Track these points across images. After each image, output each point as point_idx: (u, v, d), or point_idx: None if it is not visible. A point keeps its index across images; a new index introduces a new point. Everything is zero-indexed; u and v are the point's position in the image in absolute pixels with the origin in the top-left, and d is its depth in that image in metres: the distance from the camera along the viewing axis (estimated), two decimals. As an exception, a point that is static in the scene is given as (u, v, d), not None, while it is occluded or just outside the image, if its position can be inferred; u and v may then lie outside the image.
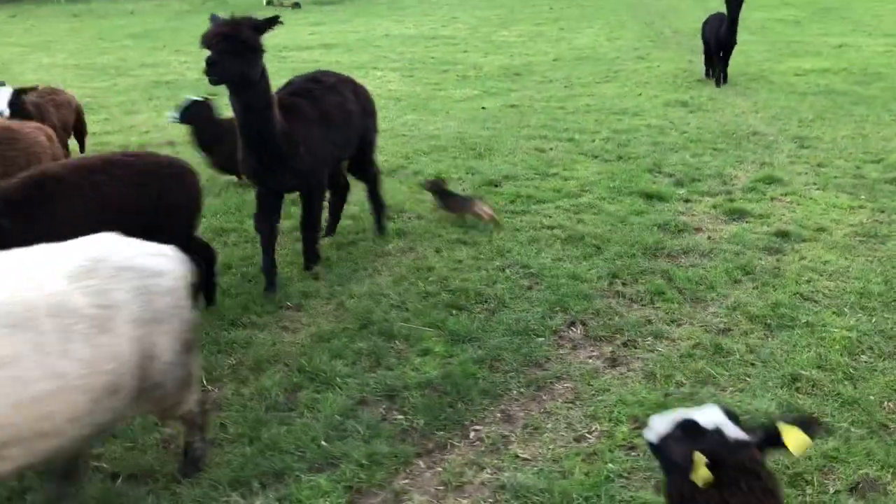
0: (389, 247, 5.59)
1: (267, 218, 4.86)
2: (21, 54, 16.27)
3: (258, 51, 4.28)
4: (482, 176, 7.33)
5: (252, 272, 5.13)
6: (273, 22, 4.30)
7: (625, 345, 4.32)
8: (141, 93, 11.81)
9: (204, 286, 4.42)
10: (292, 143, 4.61)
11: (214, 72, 4.10)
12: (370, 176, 5.76)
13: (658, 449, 2.17)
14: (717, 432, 2.06)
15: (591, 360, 4.17)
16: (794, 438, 2.04)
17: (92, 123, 8.86)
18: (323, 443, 3.36)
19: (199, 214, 4.48)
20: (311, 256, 5.13)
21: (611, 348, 4.28)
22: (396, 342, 4.26)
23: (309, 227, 5.04)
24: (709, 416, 2.12)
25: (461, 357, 4.08)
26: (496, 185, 7.08)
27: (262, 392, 3.71)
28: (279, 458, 3.25)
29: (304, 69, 14.02)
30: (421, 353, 4.15)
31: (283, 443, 3.34)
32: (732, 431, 2.07)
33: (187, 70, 14.13)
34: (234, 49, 4.13)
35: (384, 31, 20.26)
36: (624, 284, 5.03)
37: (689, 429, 2.09)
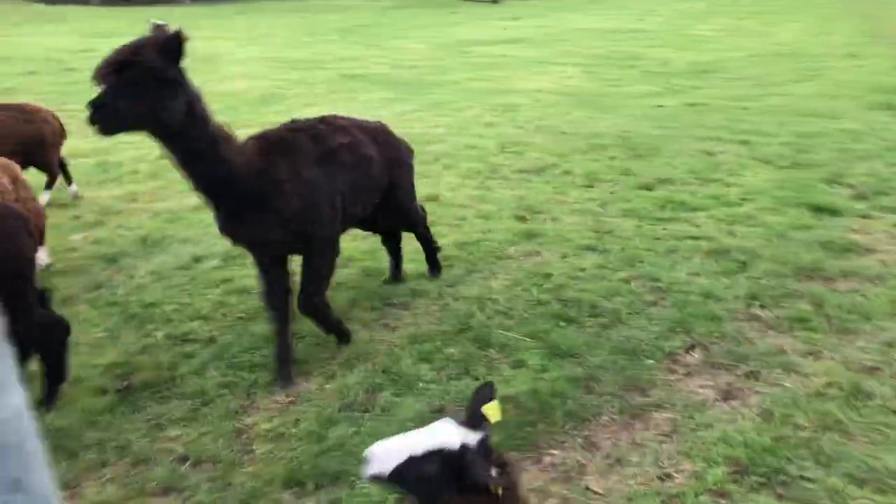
0: (512, 249, 5.40)
1: (277, 291, 3.81)
2: (234, 47, 17.63)
3: (173, 81, 3.10)
4: (635, 178, 6.93)
5: (373, 267, 5.14)
6: (181, 38, 3.06)
7: (746, 376, 3.85)
8: (326, 86, 12.37)
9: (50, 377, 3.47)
10: (270, 182, 3.52)
11: (100, 118, 3.01)
12: (411, 227, 4.81)
13: (400, 478, 1.93)
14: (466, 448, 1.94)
15: (701, 390, 3.75)
16: (492, 410, 2.03)
17: (265, 114, 9.41)
18: (387, 449, 3.27)
19: (28, 275, 3.33)
20: (324, 328, 4.07)
21: (728, 379, 3.84)
22: (491, 350, 4.08)
23: (307, 293, 3.84)
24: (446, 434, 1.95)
25: (555, 373, 3.83)
26: (649, 189, 6.65)
27: (342, 390, 3.69)
28: (340, 459, 3.20)
29: (483, 63, 14.16)
30: (514, 365, 3.94)
31: (348, 444, 3.29)
32: (472, 438, 1.96)
33: (375, 64, 14.64)
34: (134, 83, 2.99)
35: (577, 26, 19.87)
36: (763, 307, 4.50)
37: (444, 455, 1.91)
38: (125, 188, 6.58)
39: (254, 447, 3.25)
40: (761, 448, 3.24)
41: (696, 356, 4.05)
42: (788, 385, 3.74)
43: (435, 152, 7.89)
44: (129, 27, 21.77)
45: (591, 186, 6.84)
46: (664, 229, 5.73)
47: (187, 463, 3.18)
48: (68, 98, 9.86)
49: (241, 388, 3.67)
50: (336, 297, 4.66)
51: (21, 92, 10.81)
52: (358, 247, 5.41)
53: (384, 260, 5.01)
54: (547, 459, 3.28)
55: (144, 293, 4.63)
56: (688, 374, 3.90)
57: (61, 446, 3.20)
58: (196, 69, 9.89)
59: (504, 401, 3.38)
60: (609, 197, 6.49)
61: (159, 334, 4.16)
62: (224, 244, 5.26)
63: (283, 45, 17.97)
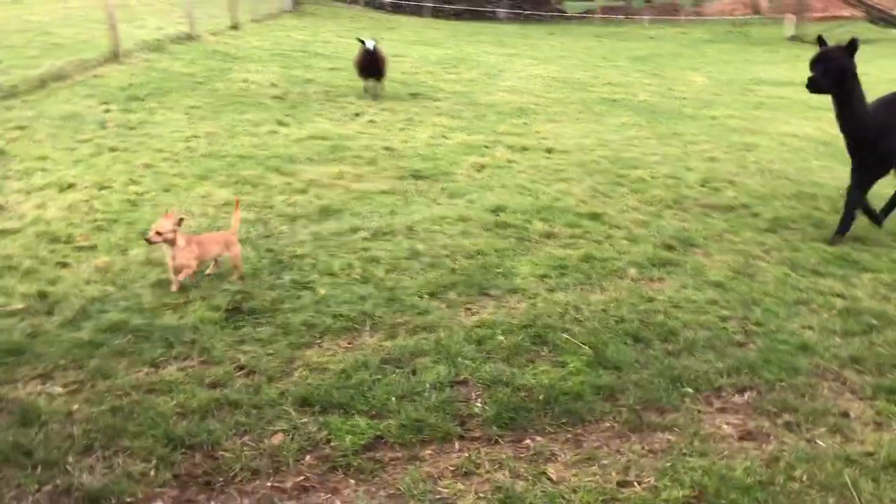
0: (634, 271, 5.52)
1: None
2: (525, 64, 18.71)
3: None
4: (823, 231, 6.55)
5: (491, 262, 5.60)
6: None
7: (784, 425, 3.75)
8: (579, 106, 12.85)
9: None
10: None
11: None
12: None
13: None
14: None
15: (724, 426, 3.73)
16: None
17: (510, 125, 10.22)
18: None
19: None
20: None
21: (761, 423, 3.77)
22: (542, 348, 4.37)
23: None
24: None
25: (585, 378, 4.03)
26: (829, 243, 6.28)
27: (390, 349, 4.24)
28: (351, 393, 3.77)
29: (754, 103, 13.62)
30: (554, 364, 4.19)
31: (364, 385, 3.85)
32: None
33: (642, 91, 14.77)
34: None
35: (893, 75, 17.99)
36: (860, 372, 4.28)
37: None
38: (339, 167, 7.72)
39: (295, 375, 3.95)
40: (737, 485, 3.23)
41: (745, 397, 3.99)
42: (820, 444, 3.59)
43: (631, 177, 8.05)
44: (443, 38, 24.04)
45: (770, 231, 6.61)
46: (812, 283, 5.45)
47: (241, 371, 3.98)
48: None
49: (316, 330, 4.40)
50: (435, 279, 5.19)
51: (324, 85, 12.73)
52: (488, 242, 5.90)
53: (497, 256, 5.46)
54: (527, 442, 3.56)
55: (298, 247, 5.59)
56: (721, 410, 3.89)
57: (165, 337, 4.20)
58: (476, 80, 11.06)
59: (519, 389, 3.76)
60: (779, 243, 6.25)
61: (286, 278, 5.05)
62: (381, 221, 6.10)
63: (572, 67, 18.68)
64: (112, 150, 7.88)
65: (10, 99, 9.46)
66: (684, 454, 3.49)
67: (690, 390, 4.01)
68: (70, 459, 3.22)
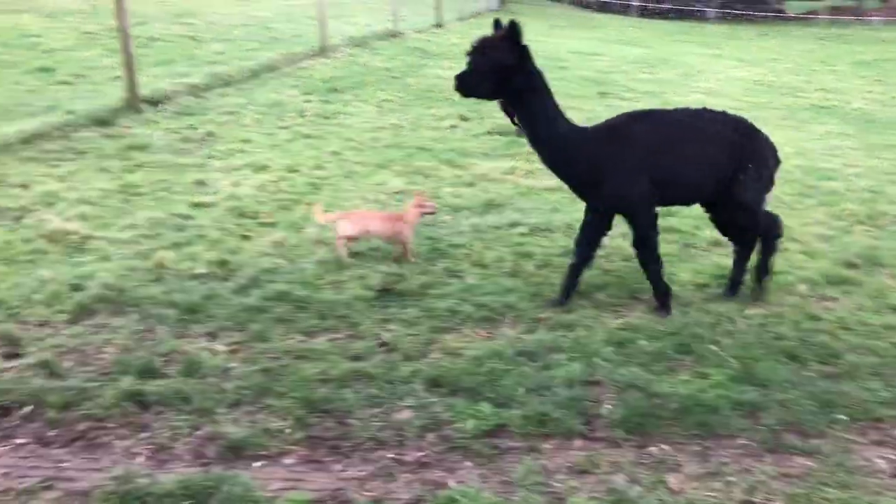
0: (804, 287, 5.17)
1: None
2: (727, 66, 17.83)
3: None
4: None
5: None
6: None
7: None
8: (783, 112, 12.07)
9: None
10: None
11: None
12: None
13: None
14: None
15: (877, 460, 3.43)
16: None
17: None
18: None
19: None
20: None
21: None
22: (685, 357, 4.21)
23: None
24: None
25: (725, 392, 3.84)
26: None
27: (530, 341, 4.28)
28: (480, 379, 3.86)
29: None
30: (695, 375, 4.04)
31: (495, 373, 3.92)
32: None
33: (858, 100, 13.60)
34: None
35: None
36: None
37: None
38: (512, 163, 7.82)
39: (430, 357, 4.10)
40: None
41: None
42: None
43: (823, 188, 7.50)
44: (645, 37, 23.42)
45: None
46: None
47: (383, 348, 4.19)
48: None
49: (458, 317, 4.53)
50: (586, 278, 5.14)
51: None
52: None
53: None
54: (651, 449, 3.48)
55: (457, 237, 5.76)
56: (877, 443, 3.58)
57: (321, 310, 4.51)
58: (671, 80, 10.87)
59: (653, 395, 3.69)
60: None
61: (440, 266, 5.23)
62: (541, 217, 6.13)
63: (782, 70, 17.55)
64: (306, 136, 8.50)
65: (226, 87, 10.45)
66: (823, 483, 3.24)
67: (843, 417, 3.70)
68: (220, 410, 3.56)
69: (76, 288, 4.63)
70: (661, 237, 5.07)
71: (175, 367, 3.88)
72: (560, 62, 15.55)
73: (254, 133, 8.50)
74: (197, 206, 6.19)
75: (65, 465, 3.18)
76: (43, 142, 7.62)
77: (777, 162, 4.76)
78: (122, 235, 5.56)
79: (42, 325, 4.26)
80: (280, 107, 9.73)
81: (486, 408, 3.65)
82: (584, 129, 4.53)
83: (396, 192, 6.74)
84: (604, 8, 34.74)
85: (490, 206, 6.50)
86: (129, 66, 8.68)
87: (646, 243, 4.56)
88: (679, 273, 5.31)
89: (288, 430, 3.45)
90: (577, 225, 5.87)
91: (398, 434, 3.48)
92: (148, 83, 9.45)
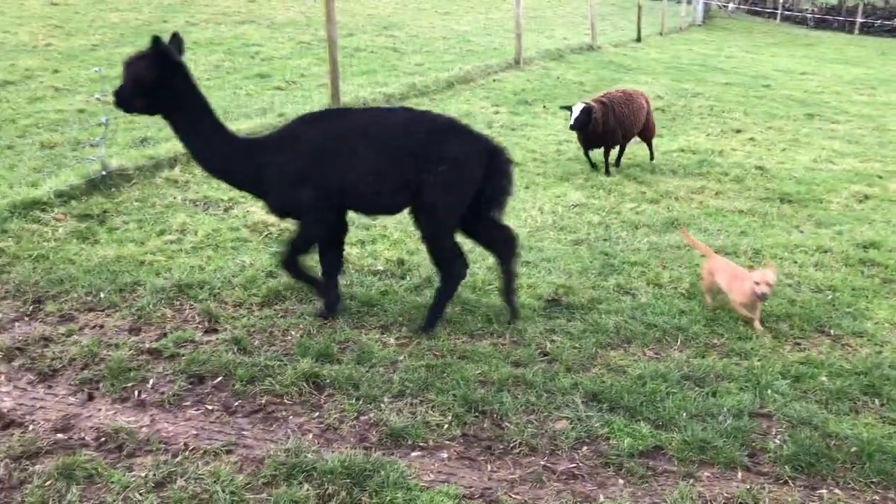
0: None
1: None
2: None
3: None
4: None
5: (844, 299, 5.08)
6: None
7: None
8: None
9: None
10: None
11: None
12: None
13: None
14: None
15: None
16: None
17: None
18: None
19: None
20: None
21: None
22: (875, 399, 3.91)
23: None
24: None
25: None
26: None
27: (679, 360, 4.15)
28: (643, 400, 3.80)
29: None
30: (887, 420, 3.74)
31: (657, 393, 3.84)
32: None
33: None
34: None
35: None
36: None
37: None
38: (701, 182, 7.55)
39: (591, 371, 4.08)
40: None
41: None
42: None
43: None
44: (867, 56, 21.65)
45: None
46: None
47: (544, 357, 4.21)
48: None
49: (625, 334, 4.46)
50: (768, 307, 4.87)
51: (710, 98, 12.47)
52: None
53: (852, 294, 4.93)
54: (821, 491, 3.27)
55: (633, 254, 5.66)
56: None
57: (488, 314, 4.61)
58: (893, 104, 10.02)
59: (829, 435, 3.48)
60: None
61: (611, 281, 5.18)
62: (727, 240, 5.89)
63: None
64: (491, 146, 8.68)
65: (421, 97, 10.90)
66: None
67: None
68: (385, 399, 3.75)
69: (271, 275, 5.04)
70: (856, 269, 4.68)
71: (349, 355, 4.14)
72: (764, 80, 14.80)
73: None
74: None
75: (245, 433, 3.49)
76: (255, 141, 8.35)
77: (485, 167, 4.21)
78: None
79: (238, 305, 4.69)
80: (469, 117, 10.00)
81: (644, 428, 3.58)
82: (246, 140, 4.50)
83: (574, 205, 6.72)
84: (821, 24, 32.53)
85: (672, 224, 6.33)
86: (335, 74, 9.30)
87: (296, 247, 4.36)
88: (876, 309, 4.91)
89: (445, 426, 3.57)
90: (768, 250, 5.63)
91: (552, 443, 3.50)
92: (349, 91, 10.08)
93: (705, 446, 3.47)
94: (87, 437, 3.39)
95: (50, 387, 3.82)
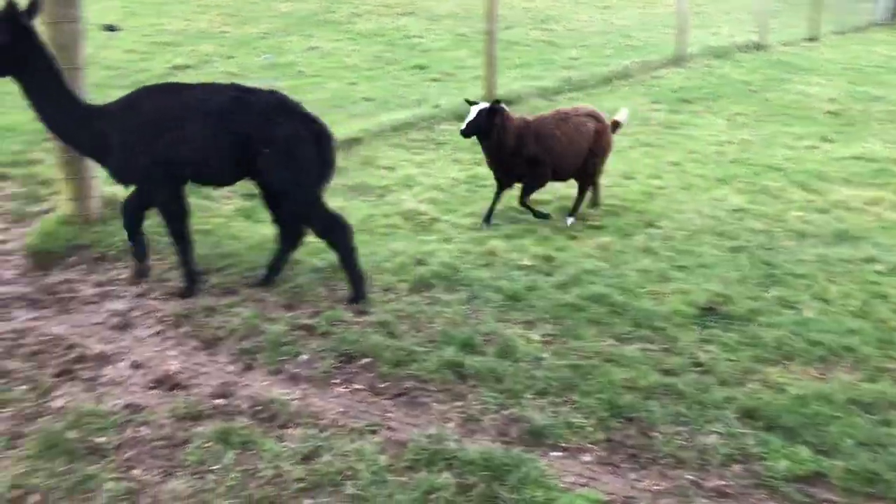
0: None
1: None
2: None
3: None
4: None
5: None
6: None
7: None
8: None
9: None
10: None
11: None
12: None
13: None
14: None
15: None
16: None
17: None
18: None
19: None
20: None
21: None
22: None
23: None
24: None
25: None
26: None
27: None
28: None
29: None
30: None
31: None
32: None
33: None
34: None
35: None
36: None
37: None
38: (879, 193, 6.97)
39: (747, 386, 3.86)
40: None
41: None
42: None
43: None
44: None
45: None
46: None
47: (697, 367, 4.02)
48: None
49: (786, 350, 4.19)
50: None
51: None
52: None
53: None
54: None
55: (797, 266, 5.30)
56: None
57: (637, 318, 4.47)
58: None
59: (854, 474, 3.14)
60: None
61: (773, 293, 4.88)
62: None
63: None
64: (646, 145, 8.43)
65: (577, 91, 10.73)
66: None
67: None
68: (527, 396, 3.71)
69: (420, 262, 5.12)
70: None
71: (492, 348, 4.12)
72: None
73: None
74: (534, 202, 6.47)
75: (389, 415, 3.56)
76: (410, 131, 8.54)
77: (320, 149, 4.39)
78: (464, 221, 6.03)
79: (387, 290, 4.79)
80: (626, 114, 9.74)
81: (803, 451, 3.35)
82: (92, 107, 4.49)
83: (735, 210, 6.40)
84: None
85: (843, 236, 5.89)
86: (491, 67, 9.32)
87: (168, 219, 4.55)
88: None
89: (589, 429, 3.49)
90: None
91: (701, 457, 3.34)
92: (504, 84, 10.06)
93: (874, 478, 3.20)
94: (243, 406, 3.57)
95: (212, 354, 4.04)
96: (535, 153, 5.86)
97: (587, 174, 6.18)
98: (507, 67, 11.27)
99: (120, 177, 4.54)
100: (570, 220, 6.07)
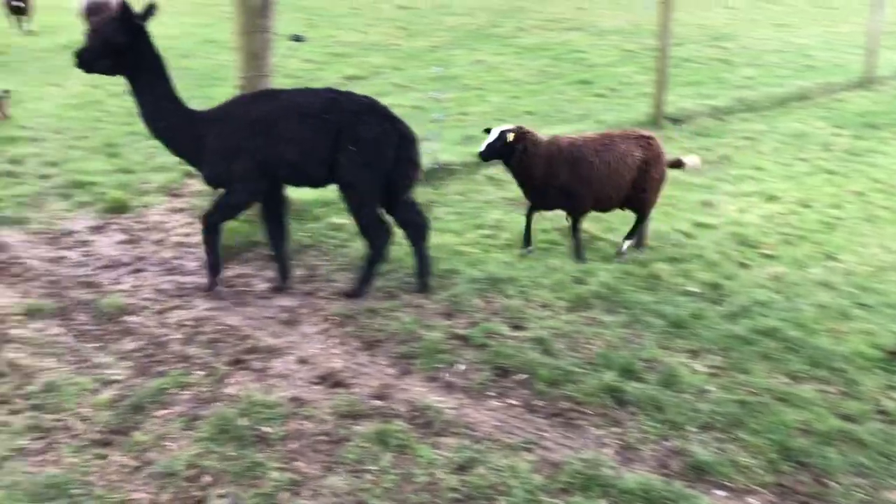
0: None
1: None
2: None
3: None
4: None
5: None
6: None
7: None
8: None
9: None
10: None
11: None
12: None
13: None
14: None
15: None
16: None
17: None
18: None
19: None
20: None
21: None
22: None
23: None
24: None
25: None
26: None
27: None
28: None
29: None
30: None
31: None
32: None
33: None
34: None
35: None
36: None
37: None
38: None
39: None
40: None
41: None
42: None
43: None
44: None
45: None
46: None
47: (881, 415, 3.70)
48: None
49: None
50: None
51: None
52: None
53: None
54: None
55: None
56: None
57: (813, 356, 4.17)
58: None
59: None
60: None
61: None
62: None
63: None
64: (828, 172, 7.91)
65: (749, 112, 10.24)
66: None
67: None
68: (690, 428, 3.54)
69: (578, 281, 5.03)
70: None
71: (654, 375, 3.97)
72: None
73: (769, 162, 8.19)
74: (699, 226, 6.22)
75: (544, 434, 3.50)
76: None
77: (403, 152, 4.52)
78: (617, 239, 5.87)
79: (544, 306, 4.73)
80: (803, 138, 9.19)
81: None
82: (193, 112, 4.60)
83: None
84: None
85: None
86: (661, 84, 9.06)
87: (222, 212, 4.66)
88: None
89: (757, 470, 3.28)
90: None
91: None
92: (673, 102, 9.76)
93: None
94: (400, 409, 3.62)
95: (372, 355, 4.15)
96: (567, 183, 5.35)
97: (639, 206, 5.65)
98: (677, 85, 10.92)
99: (214, 179, 4.64)
100: (625, 245, 5.63)
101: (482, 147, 5.31)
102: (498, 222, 6.04)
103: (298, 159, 4.50)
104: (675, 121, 7.46)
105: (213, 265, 4.76)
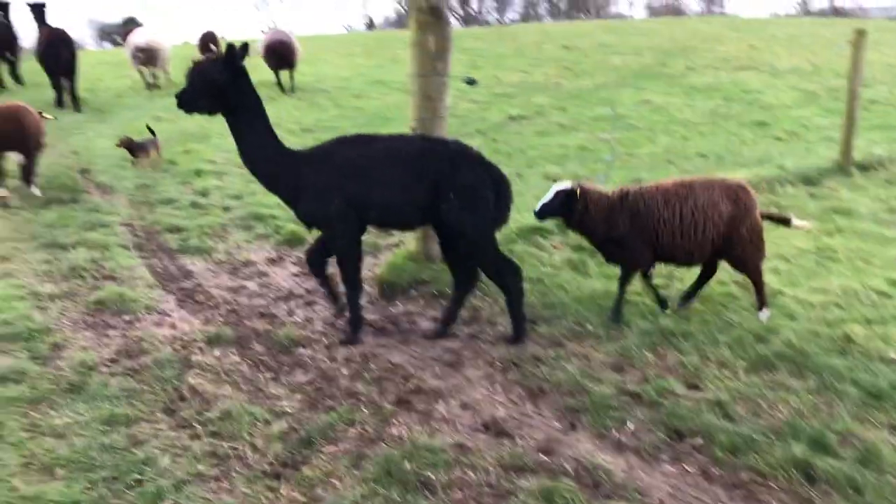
0: None
1: None
2: None
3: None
4: None
5: None
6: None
7: None
8: None
9: None
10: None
11: None
12: None
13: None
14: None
15: None
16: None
17: None
18: None
19: None
20: None
21: None
22: None
23: None
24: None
25: None
26: None
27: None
28: None
29: None
30: None
31: None
32: None
33: None
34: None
35: None
36: None
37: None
38: None
39: None
40: None
41: None
42: None
43: None
44: None
45: None
46: None
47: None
48: None
49: None
50: None
51: None
52: None
53: None
54: None
55: None
56: None
57: None
58: None
59: None
60: None
61: None
62: None
63: None
64: None
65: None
66: None
67: None
68: (896, 517, 3.15)
69: (760, 339, 4.68)
70: None
71: (850, 451, 3.59)
72: None
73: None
74: (896, 283, 5.65)
75: (725, 507, 3.23)
76: (748, 192, 7.95)
77: (498, 195, 4.59)
78: (811, 298, 5.42)
79: (722, 365, 4.43)
80: None
81: None
82: (290, 151, 4.65)
83: None
84: None
85: None
86: (849, 127, 8.43)
87: (342, 261, 4.70)
88: None
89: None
90: None
91: None
92: (862, 147, 9.05)
93: None
94: (567, 466, 3.47)
95: (537, 406, 4.02)
96: (622, 234, 4.86)
97: (738, 266, 5.03)
98: (864, 129, 10.15)
99: (309, 219, 4.69)
100: (764, 315, 5.03)
101: (537, 207, 4.89)
102: (670, 272, 5.77)
103: (390, 203, 4.53)
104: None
105: (356, 319, 4.79)
